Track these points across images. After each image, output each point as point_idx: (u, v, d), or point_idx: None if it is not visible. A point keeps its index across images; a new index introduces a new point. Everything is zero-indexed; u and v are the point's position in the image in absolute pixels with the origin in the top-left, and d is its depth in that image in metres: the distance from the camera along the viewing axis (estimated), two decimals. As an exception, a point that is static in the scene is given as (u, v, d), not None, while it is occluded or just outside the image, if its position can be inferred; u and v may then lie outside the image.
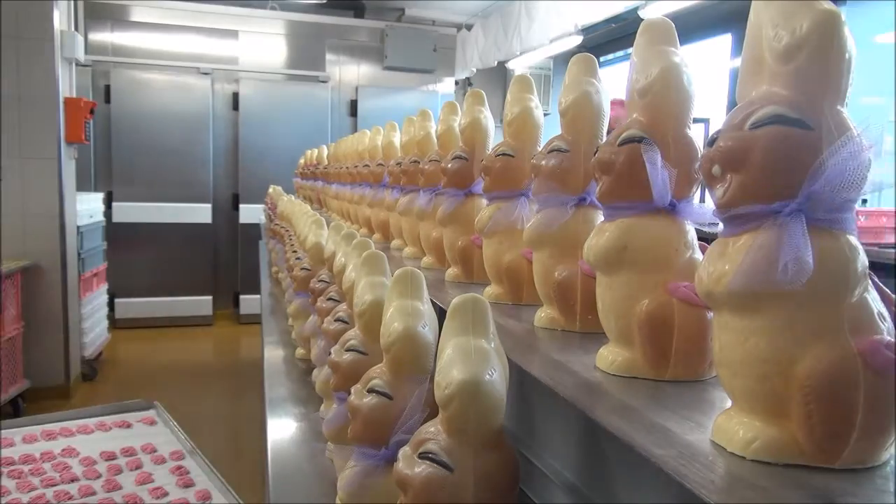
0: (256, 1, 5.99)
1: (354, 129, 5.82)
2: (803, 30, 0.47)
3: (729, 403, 0.54)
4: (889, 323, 0.48)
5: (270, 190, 3.72)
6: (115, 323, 5.21)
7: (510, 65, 6.29)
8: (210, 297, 5.73)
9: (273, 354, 1.71)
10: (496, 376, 0.60)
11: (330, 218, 2.32)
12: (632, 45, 0.71)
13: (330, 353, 0.90)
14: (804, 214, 0.47)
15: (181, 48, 5.74)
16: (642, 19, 0.72)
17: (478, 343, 0.62)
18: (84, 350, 4.07)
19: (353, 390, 0.78)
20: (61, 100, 3.73)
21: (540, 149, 0.90)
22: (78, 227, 3.98)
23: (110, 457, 1.35)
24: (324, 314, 1.09)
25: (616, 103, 1.50)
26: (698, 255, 0.68)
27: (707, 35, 5.25)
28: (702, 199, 0.91)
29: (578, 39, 4.97)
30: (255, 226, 5.27)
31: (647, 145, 0.66)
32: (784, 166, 0.47)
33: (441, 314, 0.69)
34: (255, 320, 4.70)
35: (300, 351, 1.61)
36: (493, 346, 0.63)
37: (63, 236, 3.75)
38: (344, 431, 0.80)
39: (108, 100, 5.42)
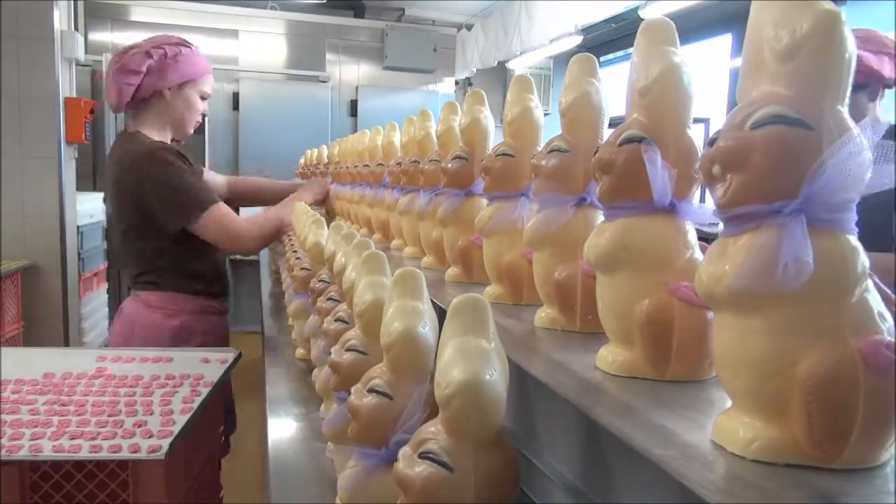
0: (256, 1, 5.99)
1: (354, 129, 5.82)
2: (803, 30, 0.47)
3: (729, 403, 0.54)
4: (889, 323, 0.48)
5: (270, 190, 3.71)
6: (115, 323, 5.20)
7: (510, 65, 6.29)
8: (210, 297, 5.73)
9: (273, 355, 1.71)
10: (496, 376, 0.60)
11: (330, 218, 2.32)
12: (632, 45, 0.71)
13: (330, 353, 0.90)
14: (804, 214, 0.47)
15: (181, 48, 5.73)
16: (642, 19, 0.72)
17: (478, 343, 0.62)
18: (84, 350, 4.07)
19: (353, 390, 0.78)
20: (61, 100, 3.73)
21: (540, 149, 0.90)
22: (78, 227, 3.97)
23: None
24: (324, 314, 1.09)
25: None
26: (698, 255, 0.68)
27: (707, 35, 5.25)
28: (702, 199, 0.91)
29: (578, 39, 4.98)
30: (255, 226, 5.26)
31: (647, 145, 0.66)
32: (784, 166, 0.47)
33: (441, 314, 0.69)
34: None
35: (300, 351, 1.62)
36: (493, 346, 0.63)
37: (63, 236, 3.74)
38: (344, 431, 0.80)
39: (108, 100, 5.42)
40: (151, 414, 1.19)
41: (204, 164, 5.65)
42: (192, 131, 2.05)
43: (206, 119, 5.68)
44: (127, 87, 1.88)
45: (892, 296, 0.51)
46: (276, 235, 2.04)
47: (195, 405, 1.24)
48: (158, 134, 1.96)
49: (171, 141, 2.06)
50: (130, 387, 1.33)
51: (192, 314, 1.98)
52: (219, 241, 1.92)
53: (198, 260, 1.96)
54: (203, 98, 2.02)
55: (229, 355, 1.57)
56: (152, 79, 1.89)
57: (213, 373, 1.44)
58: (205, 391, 1.32)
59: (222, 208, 1.90)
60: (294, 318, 1.67)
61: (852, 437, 0.46)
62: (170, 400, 1.27)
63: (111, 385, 1.34)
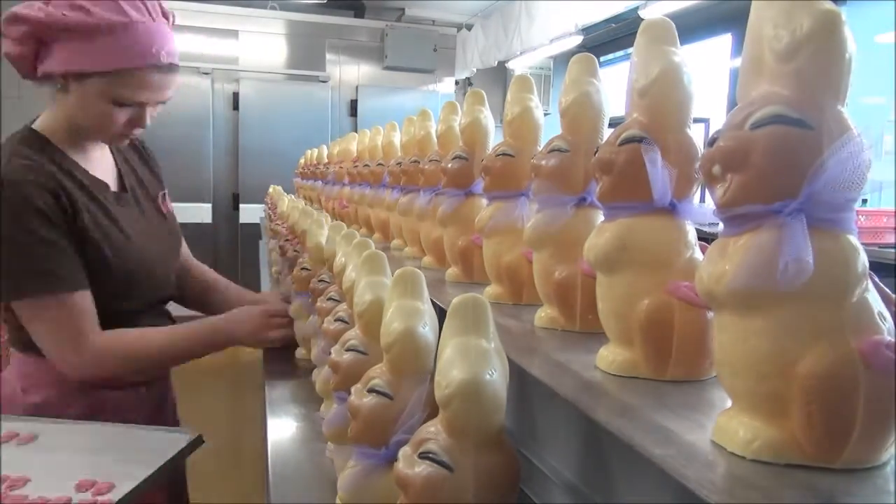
0: (256, 1, 5.99)
1: (354, 129, 5.82)
2: (803, 30, 0.47)
3: (729, 403, 0.54)
4: (889, 323, 0.48)
5: (270, 190, 3.72)
6: (115, 323, 5.19)
7: (510, 65, 6.30)
8: (210, 297, 5.72)
9: (273, 355, 1.71)
10: (496, 376, 0.60)
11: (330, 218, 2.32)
12: (632, 45, 0.71)
13: (330, 353, 0.90)
14: (804, 214, 0.47)
15: (181, 48, 5.67)
16: (642, 19, 0.72)
17: (478, 343, 0.62)
18: (84, 350, 4.06)
19: (353, 390, 0.78)
20: (61, 100, 3.73)
21: (540, 149, 0.90)
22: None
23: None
24: (324, 314, 1.09)
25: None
26: (698, 255, 0.68)
27: (707, 35, 5.25)
28: (702, 199, 0.91)
29: (578, 39, 4.98)
30: (255, 226, 5.27)
31: (647, 145, 0.66)
32: (784, 166, 0.47)
33: (441, 314, 0.69)
34: (255, 320, 4.70)
35: (300, 351, 1.61)
36: (493, 346, 0.63)
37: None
38: (344, 431, 0.80)
39: (108, 100, 5.41)
40: None
41: (209, 167, 5.74)
42: (108, 143, 1.33)
43: (210, 118, 5.69)
44: (9, 56, 1.20)
45: (892, 296, 0.51)
46: (163, 366, 1.29)
47: None
48: (62, 134, 1.27)
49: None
50: None
51: (60, 388, 1.25)
52: (36, 340, 1.20)
53: None
54: (120, 104, 1.20)
55: (178, 440, 1.05)
56: (43, 53, 1.18)
57: (129, 479, 0.93)
58: None
59: (66, 300, 1.17)
60: (294, 318, 1.67)
61: (852, 437, 0.46)
62: None
63: None
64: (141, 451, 1.03)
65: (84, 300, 1.20)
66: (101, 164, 1.33)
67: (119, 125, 1.23)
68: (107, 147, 1.38)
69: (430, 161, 1.33)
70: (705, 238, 0.67)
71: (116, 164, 1.39)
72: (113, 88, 1.18)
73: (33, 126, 1.29)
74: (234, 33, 5.96)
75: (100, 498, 0.90)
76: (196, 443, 1.08)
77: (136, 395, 1.34)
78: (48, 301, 1.17)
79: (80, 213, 1.20)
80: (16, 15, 1.16)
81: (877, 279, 0.50)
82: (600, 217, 0.77)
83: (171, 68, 1.25)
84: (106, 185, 1.31)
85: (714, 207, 0.52)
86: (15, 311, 1.20)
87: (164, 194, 1.48)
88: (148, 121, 1.28)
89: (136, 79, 1.19)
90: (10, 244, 1.14)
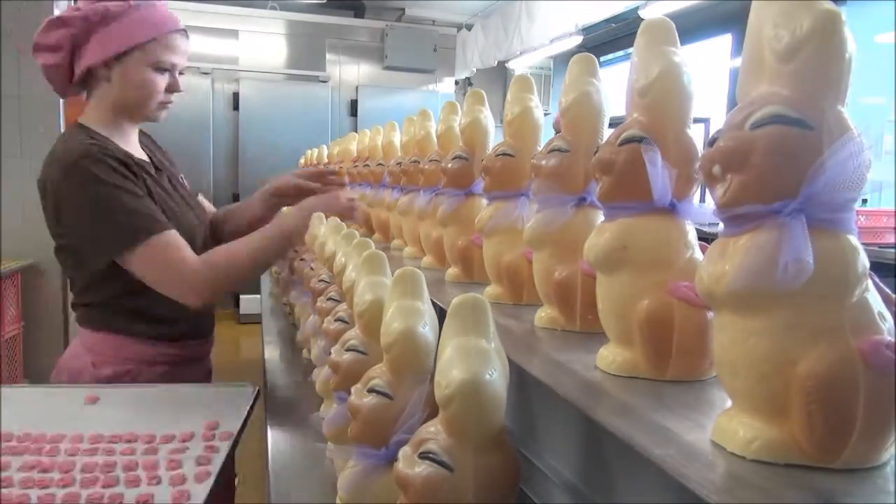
0: (256, 1, 5.99)
1: (354, 129, 5.82)
2: (803, 30, 0.47)
3: (729, 403, 0.54)
4: (889, 323, 0.48)
5: (270, 190, 3.71)
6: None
7: (510, 65, 6.30)
8: (210, 297, 5.72)
9: (273, 354, 1.71)
10: (496, 376, 0.60)
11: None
12: (632, 45, 0.71)
13: (330, 353, 0.90)
14: (804, 214, 0.47)
15: (181, 48, 5.73)
16: (642, 19, 0.72)
17: (478, 343, 0.62)
18: (84, 350, 4.05)
19: (353, 390, 0.78)
20: (61, 100, 3.73)
21: (540, 149, 0.90)
22: (78, 227, 3.96)
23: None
24: (324, 314, 1.09)
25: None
26: (698, 255, 0.68)
27: (707, 35, 5.26)
28: (702, 199, 0.91)
29: (578, 39, 4.98)
30: (255, 226, 5.26)
31: (647, 145, 0.66)
32: (784, 166, 0.47)
33: (441, 314, 0.69)
34: (255, 320, 4.71)
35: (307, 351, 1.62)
36: (493, 346, 0.63)
37: (63, 236, 3.73)
38: (344, 431, 0.80)
39: (108, 100, 5.41)
40: (158, 483, 0.93)
41: (209, 167, 5.75)
42: (154, 116, 1.46)
43: (210, 118, 5.70)
44: (50, 69, 1.39)
45: (893, 296, 0.51)
46: (256, 269, 1.46)
47: (213, 468, 0.96)
48: (105, 124, 1.43)
49: (140, 133, 1.57)
50: (128, 441, 1.04)
51: (125, 362, 1.40)
52: (152, 282, 1.35)
53: (139, 296, 1.37)
54: (160, 69, 1.39)
55: (246, 391, 1.26)
56: (79, 54, 1.37)
57: (230, 419, 1.14)
58: (223, 447, 1.04)
59: (167, 238, 1.33)
60: (301, 318, 1.67)
61: (852, 437, 0.46)
62: (179, 461, 0.99)
63: (104, 440, 1.05)
64: (221, 401, 1.23)
65: (177, 235, 1.37)
66: (137, 149, 1.51)
67: (161, 91, 1.42)
68: (136, 138, 1.53)
69: (430, 161, 1.33)
70: (705, 238, 0.67)
71: (145, 151, 1.55)
72: (151, 56, 1.38)
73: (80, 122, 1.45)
74: (234, 33, 5.96)
75: (215, 432, 1.10)
76: (258, 395, 1.27)
77: (197, 368, 1.54)
78: (156, 241, 1.32)
79: (142, 181, 1.38)
80: (59, 19, 1.34)
81: (877, 279, 0.50)
82: (600, 217, 0.77)
83: (187, 33, 1.45)
84: (149, 163, 1.49)
85: (714, 207, 0.52)
86: (124, 264, 1.33)
87: (182, 177, 1.66)
88: (181, 86, 1.45)
89: (165, 43, 1.39)
90: (108, 203, 1.29)
